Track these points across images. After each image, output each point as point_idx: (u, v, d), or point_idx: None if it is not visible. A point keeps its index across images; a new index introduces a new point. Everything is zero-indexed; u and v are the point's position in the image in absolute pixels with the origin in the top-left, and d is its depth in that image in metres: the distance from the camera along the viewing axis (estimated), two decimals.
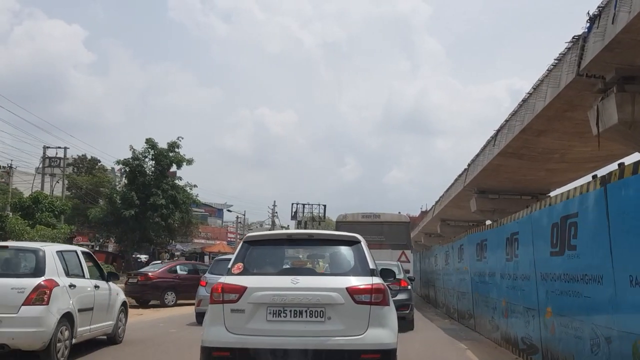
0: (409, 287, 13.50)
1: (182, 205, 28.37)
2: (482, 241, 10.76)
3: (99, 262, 10.17)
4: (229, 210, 58.39)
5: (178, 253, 43.74)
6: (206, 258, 48.73)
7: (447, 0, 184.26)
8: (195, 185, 29.17)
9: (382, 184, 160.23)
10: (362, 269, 5.76)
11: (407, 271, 17.43)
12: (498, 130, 21.61)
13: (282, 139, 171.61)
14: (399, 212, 24.10)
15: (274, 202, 60.11)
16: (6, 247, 8.35)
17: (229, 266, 5.94)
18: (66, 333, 7.49)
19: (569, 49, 13.64)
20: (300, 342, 5.34)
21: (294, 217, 56.52)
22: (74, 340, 7.75)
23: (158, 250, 29.80)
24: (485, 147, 24.13)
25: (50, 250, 7.84)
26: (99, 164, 37.55)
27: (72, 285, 7.76)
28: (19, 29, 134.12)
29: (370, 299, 5.47)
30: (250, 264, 5.93)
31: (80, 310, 7.85)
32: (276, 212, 54.40)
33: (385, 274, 6.35)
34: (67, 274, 7.85)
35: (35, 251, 7.66)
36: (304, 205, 56.69)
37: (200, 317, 11.79)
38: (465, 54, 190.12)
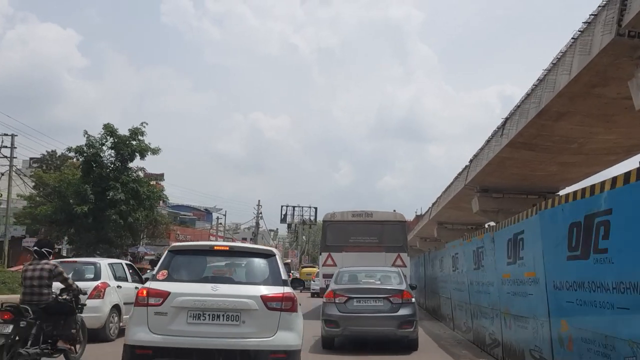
0: (413, 299, 11.14)
1: (145, 201, 24.76)
2: (518, 235, 7.97)
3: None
4: (207, 211, 55.47)
5: (152, 256, 40.81)
6: None
7: (439, 7, 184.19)
8: (161, 177, 25.54)
9: (376, 189, 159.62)
10: (275, 279, 6.50)
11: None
12: (507, 119, 19.16)
13: (276, 143, 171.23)
14: (394, 210, 21.57)
15: (259, 201, 56.49)
16: (75, 261, 12.48)
17: (154, 273, 6.63)
18: (116, 318, 11.21)
19: (604, 5, 11.22)
20: (217, 343, 6.00)
21: (283, 219, 54.04)
22: (120, 324, 11.12)
23: (124, 254, 26.47)
24: (490, 139, 21.69)
25: (104, 263, 11.86)
26: (70, 160, 34.08)
27: (119, 286, 11.47)
28: (12, 33, 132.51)
29: (281, 306, 6.22)
30: (174, 271, 6.56)
31: (125, 303, 11.16)
32: (261, 213, 51.65)
33: (296, 283, 5.83)
34: (115, 279, 11.61)
35: (94, 264, 11.73)
36: (294, 207, 54.21)
37: None
38: (458, 60, 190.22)
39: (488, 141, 21.99)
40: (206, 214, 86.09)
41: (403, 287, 11.27)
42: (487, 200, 26.40)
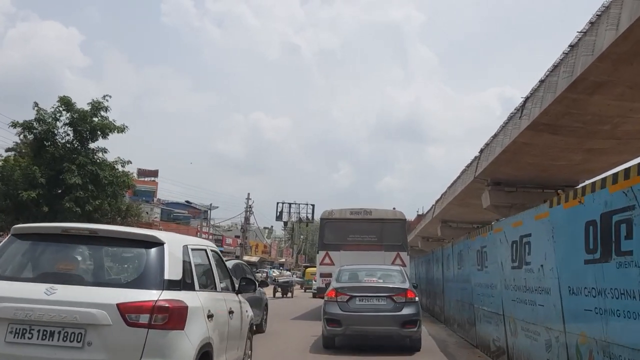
0: (417, 298, 10.85)
1: (107, 186, 21.04)
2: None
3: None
4: (187, 202, 52.84)
5: None
6: None
7: (439, 8, 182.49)
8: (129, 162, 22.43)
9: (376, 190, 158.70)
10: (151, 279, 4.52)
11: None
12: (527, 98, 16.74)
13: (276, 143, 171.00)
14: (394, 208, 20.91)
15: (248, 194, 51.98)
16: None
17: None
18: None
19: None
20: None
21: (279, 217, 51.44)
22: None
23: None
24: (506, 123, 19.24)
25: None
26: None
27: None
28: (13, 32, 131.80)
29: (150, 320, 4.25)
30: (5, 264, 4.77)
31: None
32: (251, 207, 48.77)
33: (247, 282, 6.67)
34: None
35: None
36: (290, 204, 51.56)
37: None
38: (458, 62, 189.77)
39: (504, 126, 19.54)
40: (201, 212, 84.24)
41: (406, 285, 11.02)
42: (499, 194, 23.97)
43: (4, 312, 4.29)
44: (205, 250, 5.97)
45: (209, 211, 45.45)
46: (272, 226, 69.64)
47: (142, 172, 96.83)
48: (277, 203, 51.28)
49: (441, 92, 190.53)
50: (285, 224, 51.73)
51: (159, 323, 4.33)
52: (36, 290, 4.39)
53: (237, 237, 55.63)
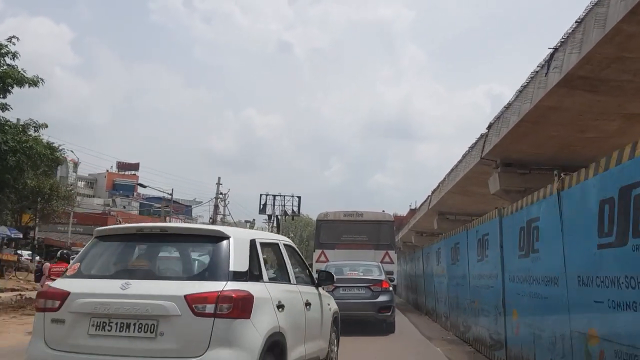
0: (391, 288, 13.28)
1: (8, 155, 16.13)
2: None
3: None
4: (170, 195, 49.02)
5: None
6: None
7: (428, 6, 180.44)
8: (44, 125, 18.07)
9: (367, 188, 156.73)
10: (217, 271, 4.82)
11: (390, 273, 17.16)
12: (556, 49, 13.33)
13: (267, 141, 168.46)
14: (383, 211, 23.37)
15: (219, 179, 47.54)
16: None
17: (69, 266, 5.50)
18: None
19: None
20: None
21: (262, 210, 47.81)
22: None
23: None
24: (525, 87, 15.81)
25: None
26: None
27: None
28: (2, 28, 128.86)
29: (215, 310, 4.50)
30: (87, 263, 5.19)
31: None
32: (223, 194, 44.77)
33: (326, 277, 7.21)
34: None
35: None
36: (274, 196, 47.87)
37: None
38: (447, 59, 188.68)
39: (521, 90, 16.09)
40: (185, 207, 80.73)
41: (382, 277, 13.01)
42: (510, 177, 20.61)
43: (87, 307, 4.62)
44: (278, 244, 6.18)
45: (170, 195, 41.54)
46: (253, 219, 66.21)
47: (122, 166, 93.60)
48: (261, 195, 47.66)
49: (431, 89, 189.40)
50: (270, 217, 48.01)
51: (224, 312, 4.49)
52: (113, 286, 4.71)
53: None
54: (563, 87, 13.24)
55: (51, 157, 17.99)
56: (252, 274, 5.05)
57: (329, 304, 7.46)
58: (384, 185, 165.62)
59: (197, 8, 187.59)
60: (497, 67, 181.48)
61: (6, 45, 16.75)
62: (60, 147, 18.70)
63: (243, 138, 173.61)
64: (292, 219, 56.51)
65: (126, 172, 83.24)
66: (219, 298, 4.53)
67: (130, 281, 4.74)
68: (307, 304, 6.27)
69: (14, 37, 16.85)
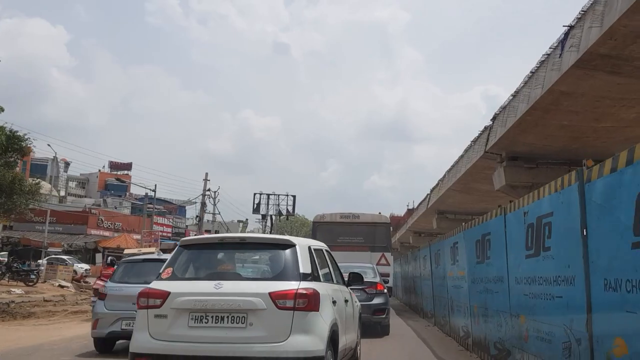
0: (385, 290, 13.00)
1: None
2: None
3: None
4: (161, 197, 47.50)
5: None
6: (98, 256, 38.31)
7: (424, 8, 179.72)
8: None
9: (363, 189, 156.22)
10: (290, 273, 5.73)
11: (386, 275, 17.62)
12: (571, 27, 12.07)
13: (265, 142, 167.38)
14: (379, 213, 22.70)
15: (206, 175, 43.97)
16: None
17: (160, 271, 6.01)
18: None
19: None
20: (219, 349, 5.36)
21: (256, 209, 46.31)
22: None
23: None
24: (534, 72, 14.55)
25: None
26: None
27: None
28: None
29: (294, 304, 5.41)
30: (179, 268, 5.96)
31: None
32: (211, 191, 42.92)
33: (354, 278, 7.85)
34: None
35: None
36: (268, 195, 46.38)
37: (100, 343, 9.28)
38: (443, 61, 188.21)
39: (530, 76, 14.82)
40: (178, 207, 79.32)
41: (377, 280, 12.81)
42: (516, 171, 19.38)
43: (186, 304, 5.45)
44: (322, 250, 7.01)
45: (154, 191, 40.08)
46: (246, 219, 64.80)
47: (115, 165, 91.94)
48: (255, 194, 46.14)
49: (427, 91, 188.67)
50: (263, 216, 46.52)
51: (300, 306, 5.41)
52: (207, 286, 5.60)
53: (208, 231, 50.51)
54: (580, 68, 11.99)
55: (12, 146, 16.23)
56: (314, 275, 5.93)
57: (356, 302, 8.32)
58: (380, 187, 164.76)
59: (193, 10, 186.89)
60: (493, 68, 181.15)
61: None
62: (25, 137, 17.10)
63: (240, 140, 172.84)
64: (287, 219, 55.12)
65: (119, 172, 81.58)
66: (297, 294, 5.42)
67: (221, 282, 5.59)
68: (346, 301, 7.19)
69: None
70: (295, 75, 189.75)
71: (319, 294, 5.64)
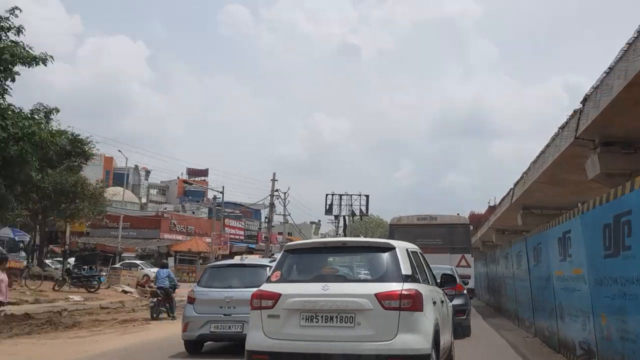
0: (465, 291, 13.22)
1: (10, 143, 13.27)
2: None
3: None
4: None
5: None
6: (170, 260, 38.15)
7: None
8: (56, 110, 14.68)
9: (439, 188, 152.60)
10: (393, 274, 5.97)
11: (467, 277, 17.60)
12: None
13: (336, 145, 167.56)
14: (458, 214, 23.80)
15: (274, 175, 42.00)
16: None
17: (269, 274, 6.72)
18: None
19: None
20: (330, 347, 5.64)
21: (328, 211, 45.40)
22: None
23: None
24: (636, 37, 12.64)
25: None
26: None
27: None
28: (84, 50, 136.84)
29: (399, 305, 5.63)
30: (287, 271, 6.38)
31: None
32: (280, 192, 41.92)
33: (446, 279, 8.05)
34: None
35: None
36: (340, 196, 45.27)
37: (190, 345, 9.89)
38: (519, 52, 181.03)
39: (631, 44, 12.92)
40: (253, 212, 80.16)
41: (457, 281, 12.47)
42: (613, 157, 17.35)
43: (297, 305, 5.83)
44: (417, 252, 7.22)
45: (222, 193, 39.72)
46: (319, 220, 64.06)
47: (192, 172, 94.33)
48: (327, 195, 45.22)
49: (503, 84, 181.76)
50: (336, 217, 45.52)
51: (406, 306, 5.63)
52: (315, 287, 5.91)
53: (280, 233, 50.11)
54: None
55: (75, 150, 15.88)
56: (414, 277, 6.16)
57: (449, 303, 8.42)
58: (457, 185, 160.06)
59: (263, 18, 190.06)
60: (573, 57, 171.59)
61: (7, 18, 14.45)
62: (88, 140, 16.80)
63: (311, 143, 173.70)
64: (361, 219, 53.87)
65: (196, 178, 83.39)
66: (401, 295, 5.64)
67: (328, 284, 5.89)
68: (442, 302, 7.30)
69: (16, 8, 14.43)
70: (364, 75, 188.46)
71: (422, 294, 5.88)
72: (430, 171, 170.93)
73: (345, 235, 54.84)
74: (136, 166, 78.43)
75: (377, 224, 68.18)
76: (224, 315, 9.56)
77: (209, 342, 10.21)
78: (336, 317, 5.66)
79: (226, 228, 46.10)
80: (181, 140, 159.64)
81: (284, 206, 43.63)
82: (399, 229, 20.17)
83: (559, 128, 20.60)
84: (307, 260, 6.61)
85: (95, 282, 24.46)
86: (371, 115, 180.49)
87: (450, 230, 20.48)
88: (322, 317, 5.70)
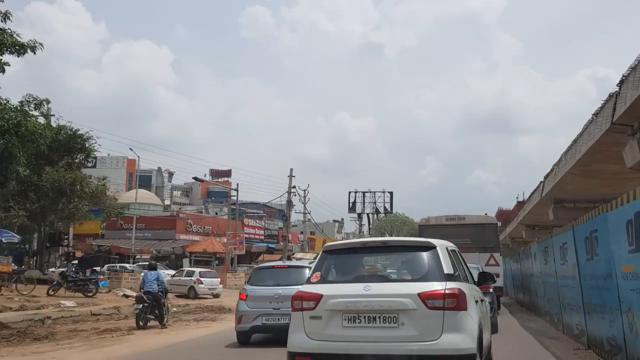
0: (491, 290, 13.11)
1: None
2: None
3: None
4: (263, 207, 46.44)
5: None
6: (185, 261, 37.22)
7: None
8: (46, 101, 13.88)
9: (466, 185, 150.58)
10: (435, 274, 5.90)
11: (496, 275, 15.83)
12: None
13: (361, 144, 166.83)
14: (485, 214, 23.36)
15: (291, 170, 41.74)
16: None
17: (309, 275, 6.56)
18: None
19: None
20: (375, 348, 5.59)
21: (352, 208, 44.28)
22: None
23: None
24: None
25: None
26: None
27: None
28: (109, 56, 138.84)
29: (443, 304, 5.58)
30: (326, 272, 6.36)
31: None
32: (295, 187, 40.62)
33: (484, 277, 8.11)
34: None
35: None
36: (363, 193, 44.02)
37: (242, 336, 11.37)
38: (544, 46, 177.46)
39: None
40: (277, 211, 79.55)
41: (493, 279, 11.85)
42: None
43: (339, 306, 5.76)
44: (455, 250, 7.06)
45: (236, 190, 38.84)
46: (342, 219, 62.80)
47: (215, 173, 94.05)
48: (350, 192, 44.06)
49: (528, 79, 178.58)
50: (359, 215, 44.38)
51: (450, 306, 5.56)
52: (357, 288, 5.83)
53: (301, 232, 49.14)
54: None
55: (75, 145, 15.01)
56: (455, 275, 6.14)
57: (487, 301, 8.29)
58: (484, 181, 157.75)
59: (284, 19, 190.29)
60: (599, 49, 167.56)
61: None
62: (87, 136, 15.94)
63: (335, 142, 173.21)
64: (385, 217, 52.61)
65: (219, 179, 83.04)
66: (445, 295, 5.62)
67: (369, 284, 5.87)
68: (482, 300, 7.25)
69: None
70: (387, 74, 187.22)
71: (465, 293, 5.81)
72: (456, 168, 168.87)
73: (370, 234, 53.66)
74: (159, 168, 78.37)
75: (403, 221, 66.74)
76: (274, 309, 10.85)
77: (255, 335, 11.45)
78: (379, 317, 5.62)
79: (245, 228, 45.33)
80: (206, 142, 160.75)
81: (304, 204, 42.67)
82: (427, 230, 20.36)
83: (593, 115, 19.12)
84: (347, 260, 6.57)
85: (93, 286, 23.12)
86: (395, 113, 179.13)
87: (479, 230, 20.82)
88: (364, 317, 5.66)
